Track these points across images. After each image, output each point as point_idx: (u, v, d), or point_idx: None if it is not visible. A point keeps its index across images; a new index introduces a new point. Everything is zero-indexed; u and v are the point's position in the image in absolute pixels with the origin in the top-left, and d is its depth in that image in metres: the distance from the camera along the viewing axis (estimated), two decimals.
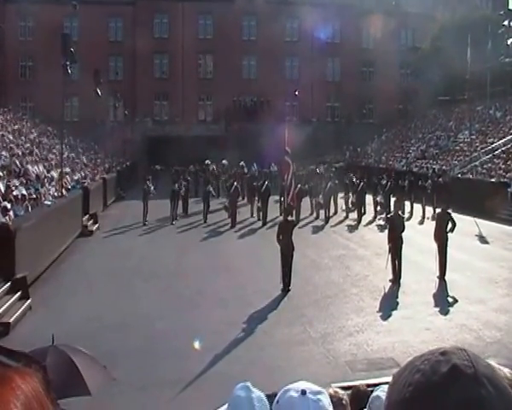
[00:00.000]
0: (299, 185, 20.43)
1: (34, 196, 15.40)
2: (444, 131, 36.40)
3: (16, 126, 27.43)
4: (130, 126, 40.48)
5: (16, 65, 44.20)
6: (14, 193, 14.23)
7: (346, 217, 22.77)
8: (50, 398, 0.80)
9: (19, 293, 10.79)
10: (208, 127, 44.85)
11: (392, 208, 17.16)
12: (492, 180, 24.23)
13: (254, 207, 22.96)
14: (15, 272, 11.05)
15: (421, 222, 21.61)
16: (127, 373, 7.45)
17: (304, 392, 1.39)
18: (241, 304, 11.06)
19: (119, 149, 36.89)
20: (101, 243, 17.99)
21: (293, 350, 8.79)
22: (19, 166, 18.33)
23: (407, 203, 23.21)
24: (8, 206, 12.80)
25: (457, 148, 32.21)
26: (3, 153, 19.05)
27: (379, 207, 23.21)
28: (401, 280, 12.63)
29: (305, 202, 22.79)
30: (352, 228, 20.65)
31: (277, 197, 22.44)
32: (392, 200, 20.92)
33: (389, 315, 10.46)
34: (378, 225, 20.73)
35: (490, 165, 26.54)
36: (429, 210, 22.27)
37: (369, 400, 2.53)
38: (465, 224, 18.05)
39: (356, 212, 22.47)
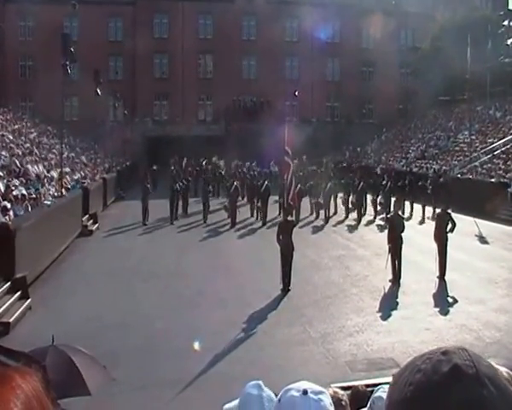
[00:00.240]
0: (298, 185, 20.43)
1: (34, 195, 15.39)
2: (444, 132, 36.41)
3: (16, 126, 27.44)
4: (130, 126, 40.47)
5: (16, 65, 44.21)
6: (14, 193, 14.22)
7: (346, 217, 22.78)
8: (50, 397, 0.80)
9: (18, 293, 10.78)
10: (208, 127, 44.84)
11: (392, 208, 17.15)
12: (492, 180, 24.24)
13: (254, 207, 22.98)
14: (15, 271, 11.05)
15: (421, 222, 21.60)
16: (127, 373, 7.45)
17: (305, 392, 1.38)
18: (241, 304, 11.05)
19: (119, 149, 36.87)
20: (101, 242, 17.99)
21: (293, 350, 8.79)
22: (19, 165, 18.32)
23: (407, 203, 23.23)
24: (8, 206, 12.79)
25: (457, 148, 32.23)
26: (3, 153, 19.04)
27: (379, 208, 23.22)
28: (401, 280, 12.63)
29: (305, 202, 22.79)
30: (351, 228, 20.66)
31: (277, 197, 22.44)
32: (393, 200, 20.91)
33: (389, 315, 10.46)
34: (378, 225, 20.74)
35: (490, 165, 26.55)
36: (429, 210, 22.28)
37: (371, 400, 2.52)
38: (465, 224, 18.05)
39: (356, 212, 22.48)
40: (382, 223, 19.94)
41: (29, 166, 18.91)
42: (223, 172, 32.68)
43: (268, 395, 1.74)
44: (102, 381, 5.30)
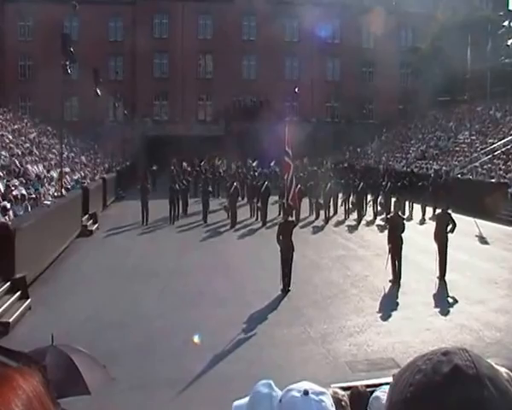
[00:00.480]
0: (298, 185, 20.43)
1: (34, 195, 15.39)
2: (444, 132, 36.40)
3: (16, 126, 27.43)
4: (130, 126, 40.43)
5: (16, 65, 44.18)
6: (14, 193, 14.23)
7: (346, 217, 22.78)
8: (51, 397, 0.80)
9: (18, 293, 10.79)
10: (208, 127, 44.83)
11: (392, 209, 17.15)
12: (492, 181, 24.24)
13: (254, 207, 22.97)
14: (15, 271, 11.05)
15: (422, 222, 21.60)
16: (127, 373, 7.45)
17: (306, 392, 1.38)
18: (241, 304, 11.05)
19: (119, 149, 36.87)
20: (101, 242, 17.99)
21: (293, 350, 8.79)
22: (18, 165, 18.33)
23: (407, 204, 23.24)
24: (8, 206, 12.80)
25: (457, 148, 32.21)
26: (3, 153, 19.04)
27: (379, 208, 23.22)
28: (401, 281, 12.63)
29: (305, 202, 22.78)
30: (351, 228, 20.66)
31: (277, 198, 22.44)
32: (393, 200, 20.91)
33: (389, 316, 10.46)
34: (378, 226, 20.74)
35: (490, 165, 26.54)
36: (429, 210, 22.28)
37: (370, 401, 2.52)
38: (465, 224, 18.04)
39: (356, 212, 22.48)
40: (382, 223, 19.93)
41: (29, 166, 18.92)
42: (222, 173, 32.69)
43: (278, 395, 1.74)
44: (102, 381, 5.30)
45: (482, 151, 28.79)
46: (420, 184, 24.92)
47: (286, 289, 11.93)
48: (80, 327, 9.22)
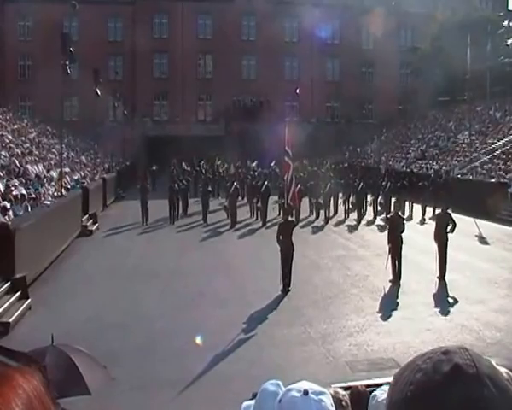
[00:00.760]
0: (298, 185, 20.43)
1: (34, 195, 15.39)
2: (444, 132, 36.41)
3: (15, 126, 27.43)
4: (130, 126, 40.42)
5: (15, 65, 44.20)
6: (14, 193, 14.23)
7: (346, 217, 22.77)
8: (51, 397, 0.80)
9: (18, 293, 10.78)
10: (208, 127, 44.84)
11: (392, 208, 17.16)
12: (492, 181, 24.24)
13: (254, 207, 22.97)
14: (15, 271, 11.04)
15: (422, 222, 21.60)
16: (127, 373, 7.45)
17: (306, 392, 1.38)
18: (241, 304, 11.05)
19: (119, 149, 36.87)
20: (101, 242, 17.99)
21: (293, 350, 8.78)
22: (18, 165, 18.33)
23: (407, 203, 23.23)
24: (8, 205, 12.79)
25: (457, 148, 32.21)
26: (3, 153, 19.04)
27: (379, 208, 23.22)
28: (401, 281, 12.63)
29: (305, 202, 22.78)
30: (352, 228, 20.65)
31: (277, 198, 22.44)
32: (393, 200, 20.91)
33: (389, 316, 10.46)
34: (378, 226, 20.73)
35: (490, 165, 26.54)
36: (429, 210, 22.27)
37: (369, 401, 2.52)
38: (465, 224, 18.05)
39: (356, 212, 22.47)
40: (382, 223, 19.93)
41: (29, 166, 18.92)
42: (222, 173, 32.68)
43: None
44: (102, 381, 5.30)
45: (482, 151, 28.80)
46: (420, 184, 24.91)
47: (286, 289, 11.93)
48: (80, 327, 9.22)
